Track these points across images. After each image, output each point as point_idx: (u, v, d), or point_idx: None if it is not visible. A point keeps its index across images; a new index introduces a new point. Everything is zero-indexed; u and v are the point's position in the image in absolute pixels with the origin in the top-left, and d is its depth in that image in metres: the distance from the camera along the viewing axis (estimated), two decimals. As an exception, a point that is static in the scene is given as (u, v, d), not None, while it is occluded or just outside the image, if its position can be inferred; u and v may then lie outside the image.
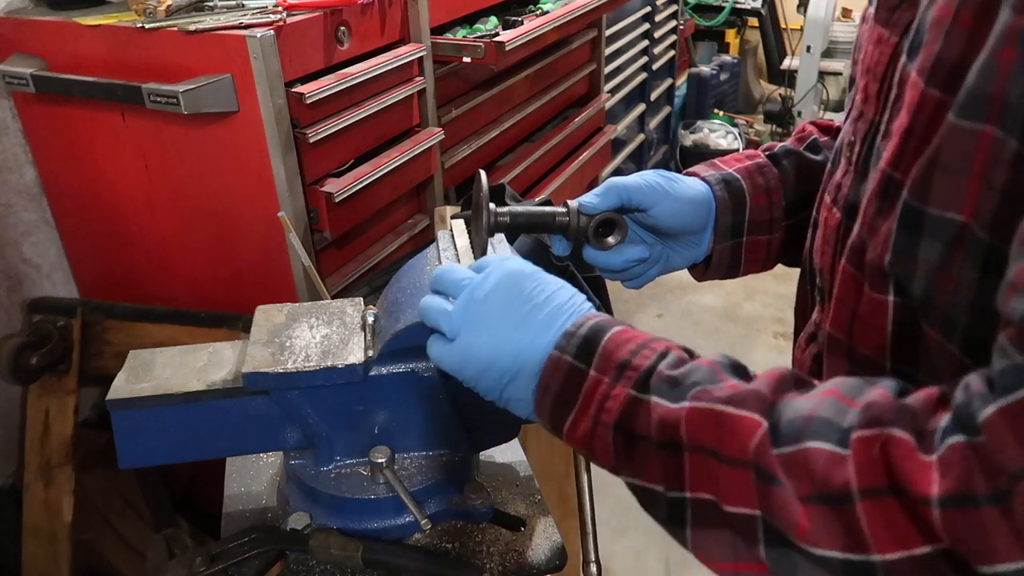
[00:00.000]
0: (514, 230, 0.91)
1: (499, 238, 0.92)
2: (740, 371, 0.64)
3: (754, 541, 0.57)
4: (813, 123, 1.03)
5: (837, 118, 0.96)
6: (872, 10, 0.74)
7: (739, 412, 0.58)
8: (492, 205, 0.88)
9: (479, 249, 0.90)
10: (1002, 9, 0.53)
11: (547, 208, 0.91)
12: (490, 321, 0.71)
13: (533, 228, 0.93)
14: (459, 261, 0.90)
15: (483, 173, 0.87)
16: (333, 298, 1.04)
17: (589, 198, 0.90)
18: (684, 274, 1.02)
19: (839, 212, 0.76)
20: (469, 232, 0.94)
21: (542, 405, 0.68)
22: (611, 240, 0.90)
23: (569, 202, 0.90)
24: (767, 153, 0.99)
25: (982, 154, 0.54)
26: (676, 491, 0.60)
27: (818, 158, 0.96)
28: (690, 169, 0.98)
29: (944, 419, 0.51)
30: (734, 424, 0.58)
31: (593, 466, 0.86)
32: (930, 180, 0.58)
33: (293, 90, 1.55)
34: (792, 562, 0.55)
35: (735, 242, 0.96)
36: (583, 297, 0.73)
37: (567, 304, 0.71)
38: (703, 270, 1.01)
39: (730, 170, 0.96)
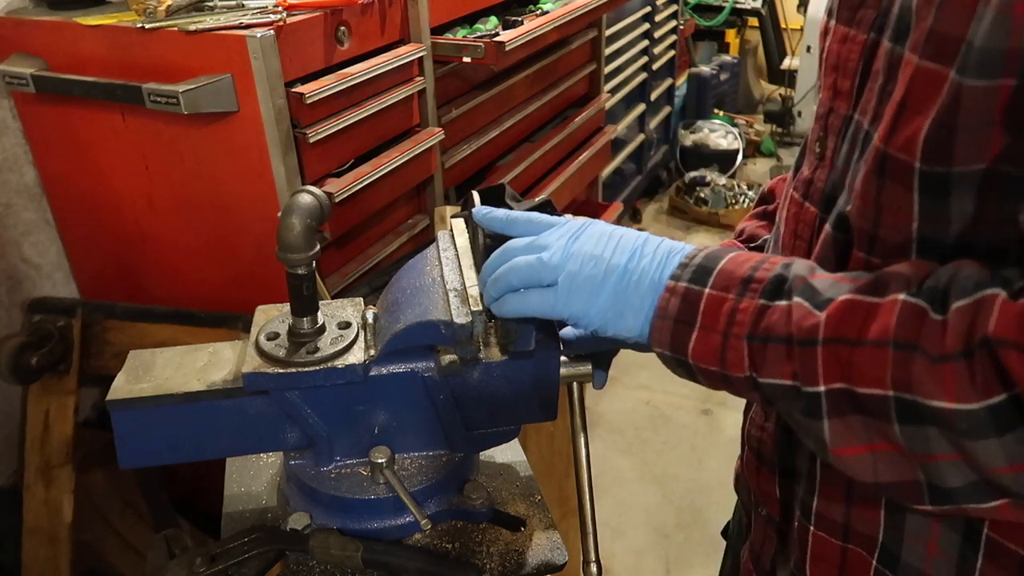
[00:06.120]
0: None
1: None
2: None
3: (888, 420, 0.59)
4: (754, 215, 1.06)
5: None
6: (831, 20, 0.77)
7: (879, 296, 0.61)
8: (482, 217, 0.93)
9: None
10: None
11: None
12: (590, 250, 0.74)
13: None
14: (459, 261, 0.90)
15: (476, 194, 0.89)
16: (333, 298, 1.04)
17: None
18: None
19: (813, 206, 0.79)
20: (469, 232, 0.95)
21: (661, 331, 0.70)
22: None
23: None
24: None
25: (1002, 103, 0.57)
26: (811, 386, 0.62)
27: None
28: None
29: None
30: (875, 307, 0.60)
31: (593, 466, 0.86)
32: (950, 143, 0.60)
33: (293, 90, 1.55)
34: (925, 436, 0.58)
35: None
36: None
37: (665, 242, 0.75)
38: None
39: None
